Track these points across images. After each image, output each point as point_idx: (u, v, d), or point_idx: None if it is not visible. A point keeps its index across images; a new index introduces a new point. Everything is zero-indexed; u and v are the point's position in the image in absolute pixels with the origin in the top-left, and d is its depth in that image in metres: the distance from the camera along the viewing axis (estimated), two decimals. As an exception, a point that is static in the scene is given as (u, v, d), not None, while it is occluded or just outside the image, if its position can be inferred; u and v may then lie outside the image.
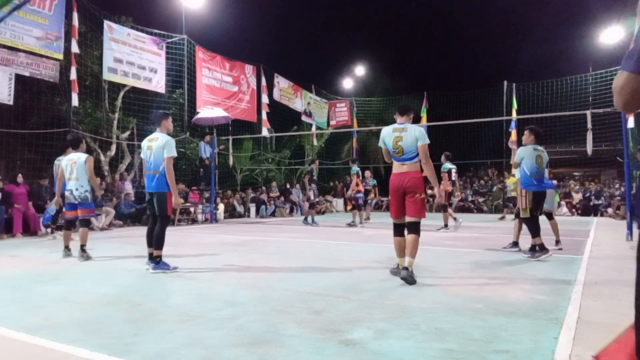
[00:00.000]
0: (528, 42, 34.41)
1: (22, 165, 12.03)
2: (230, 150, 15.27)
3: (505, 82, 19.96)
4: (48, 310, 3.36)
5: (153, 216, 5.27)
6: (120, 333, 2.78)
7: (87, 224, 6.22)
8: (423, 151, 4.37)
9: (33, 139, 11.65)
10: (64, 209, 6.50)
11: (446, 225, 10.22)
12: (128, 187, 12.45)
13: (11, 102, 10.26)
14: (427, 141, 4.46)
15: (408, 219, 4.37)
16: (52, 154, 11.55)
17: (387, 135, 4.56)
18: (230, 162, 15.77)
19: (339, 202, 20.25)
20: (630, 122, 10.82)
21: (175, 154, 5.07)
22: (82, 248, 5.94)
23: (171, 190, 5.08)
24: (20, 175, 9.74)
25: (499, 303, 3.51)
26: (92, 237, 8.90)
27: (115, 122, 13.40)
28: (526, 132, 6.24)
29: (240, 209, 15.89)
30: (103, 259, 6.02)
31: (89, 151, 12.78)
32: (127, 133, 14.08)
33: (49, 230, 9.32)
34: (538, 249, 5.89)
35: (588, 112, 10.30)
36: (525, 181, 5.94)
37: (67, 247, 6.23)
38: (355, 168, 11.86)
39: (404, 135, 4.41)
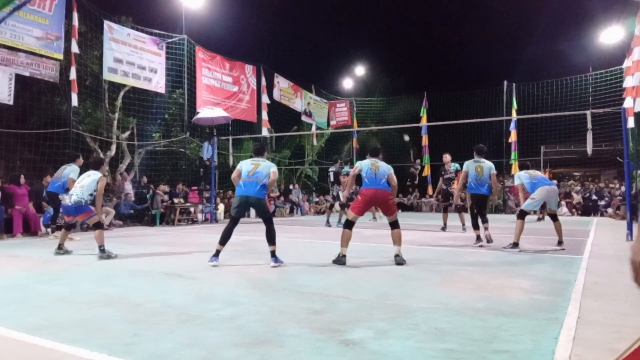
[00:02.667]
0: (528, 42, 34.38)
1: (22, 165, 12.03)
2: (230, 150, 15.27)
3: (505, 82, 19.96)
4: (48, 310, 3.36)
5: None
6: (120, 333, 2.78)
7: (100, 225, 6.29)
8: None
9: (33, 139, 11.65)
10: (61, 211, 6.61)
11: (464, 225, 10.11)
12: (128, 187, 12.45)
13: (11, 102, 10.26)
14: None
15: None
16: (52, 154, 11.56)
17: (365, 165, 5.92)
18: (230, 162, 15.77)
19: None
20: (630, 122, 10.83)
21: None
22: (101, 249, 6.10)
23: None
24: (22, 176, 9.73)
25: (499, 303, 3.51)
26: (93, 237, 8.91)
27: (115, 122, 13.39)
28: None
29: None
30: (102, 259, 6.01)
31: (89, 151, 12.83)
32: (127, 133, 14.08)
33: (49, 230, 9.33)
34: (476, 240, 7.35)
35: (588, 112, 10.30)
36: (468, 186, 7.48)
37: (60, 246, 6.42)
38: (346, 169, 12.01)
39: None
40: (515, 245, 6.70)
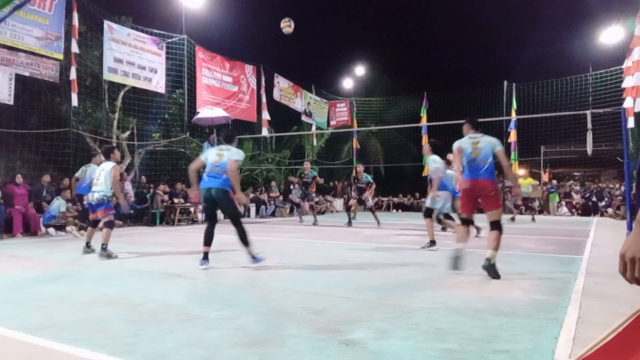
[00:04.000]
0: (528, 42, 34.42)
1: (22, 165, 12.02)
2: (230, 150, 15.25)
3: (505, 82, 19.96)
4: (48, 310, 3.36)
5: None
6: (120, 333, 2.78)
7: (110, 225, 6.39)
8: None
9: (33, 139, 11.64)
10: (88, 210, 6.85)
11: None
12: (128, 187, 12.44)
13: (11, 102, 10.26)
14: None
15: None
16: (52, 154, 11.56)
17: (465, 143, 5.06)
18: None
19: (339, 202, 20.25)
20: (630, 122, 10.84)
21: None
22: (103, 247, 6.14)
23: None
24: (19, 175, 9.72)
25: (499, 303, 3.51)
26: (93, 238, 8.91)
27: (115, 122, 13.39)
28: (426, 146, 7.38)
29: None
30: (103, 259, 6.01)
31: (89, 151, 12.82)
32: (127, 133, 14.07)
33: (49, 230, 9.33)
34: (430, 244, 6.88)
35: (588, 112, 10.30)
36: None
37: (87, 244, 6.53)
38: (313, 172, 12.88)
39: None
40: (432, 243, 6.84)
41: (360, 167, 11.94)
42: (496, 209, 4.70)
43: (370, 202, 11.73)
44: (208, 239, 5.24)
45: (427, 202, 7.16)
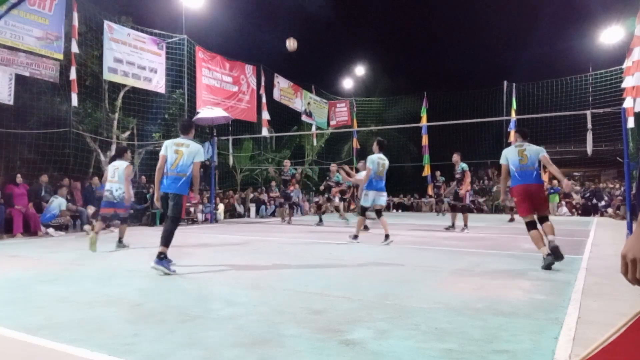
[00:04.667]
0: (528, 42, 34.40)
1: (22, 165, 12.02)
2: (231, 150, 15.26)
3: (505, 82, 19.97)
4: (48, 310, 3.36)
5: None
6: (120, 333, 2.78)
7: (126, 221, 7.35)
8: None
9: (33, 139, 11.65)
10: (101, 206, 7.39)
11: (466, 226, 10.05)
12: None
13: (11, 102, 10.26)
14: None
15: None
16: (52, 154, 11.56)
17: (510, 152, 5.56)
18: (230, 162, 15.77)
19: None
20: (630, 122, 10.83)
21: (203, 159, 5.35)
22: (120, 239, 7.06)
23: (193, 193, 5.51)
24: (19, 175, 9.73)
25: (499, 303, 3.51)
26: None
27: (115, 122, 13.39)
28: (375, 144, 7.85)
29: (240, 209, 15.90)
30: (103, 259, 6.01)
31: (88, 151, 12.83)
32: (127, 133, 14.08)
33: (49, 230, 9.33)
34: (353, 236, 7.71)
35: (588, 112, 10.31)
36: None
37: (120, 239, 7.13)
38: (292, 170, 13.07)
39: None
40: (357, 232, 7.74)
41: (334, 167, 12.71)
42: (547, 209, 5.58)
43: (337, 201, 12.46)
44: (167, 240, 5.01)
45: (362, 201, 7.81)
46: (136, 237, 9.09)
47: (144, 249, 7.14)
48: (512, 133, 18.62)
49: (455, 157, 10.18)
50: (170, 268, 4.81)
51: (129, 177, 7.09)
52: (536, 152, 5.47)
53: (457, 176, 10.24)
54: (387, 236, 7.46)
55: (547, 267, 4.98)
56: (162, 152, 5.20)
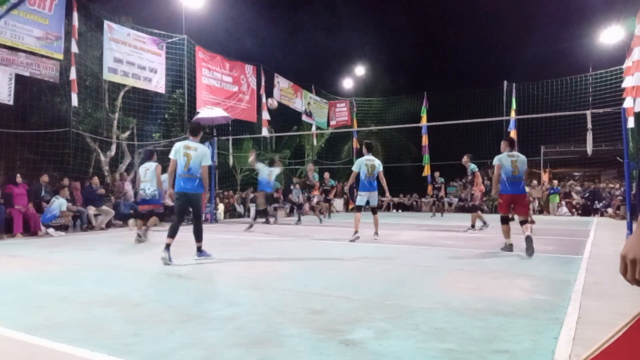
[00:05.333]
0: (528, 42, 34.36)
1: (21, 165, 12.02)
2: (231, 150, 15.26)
3: (505, 82, 19.96)
4: (48, 310, 3.36)
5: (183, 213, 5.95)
6: (120, 333, 2.78)
7: (161, 216, 8.36)
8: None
9: (33, 139, 11.64)
10: (138, 204, 8.34)
11: (473, 226, 10.01)
12: (128, 187, 12.44)
13: (11, 102, 10.26)
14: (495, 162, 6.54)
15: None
16: (52, 154, 11.56)
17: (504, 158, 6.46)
18: (230, 162, 15.77)
19: (339, 202, 20.25)
20: (630, 122, 10.83)
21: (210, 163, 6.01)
22: (147, 228, 7.88)
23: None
24: (18, 175, 9.72)
25: (499, 303, 3.51)
26: (93, 238, 8.92)
27: (115, 122, 13.39)
28: (363, 146, 8.36)
29: (240, 209, 15.89)
30: (103, 259, 6.01)
31: (88, 151, 12.84)
32: (127, 133, 14.08)
33: (49, 230, 9.33)
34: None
35: (588, 112, 10.30)
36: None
37: (139, 234, 7.70)
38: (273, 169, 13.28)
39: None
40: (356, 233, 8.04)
41: (311, 166, 13.82)
42: (527, 213, 6.62)
43: (315, 200, 13.01)
44: (173, 233, 5.58)
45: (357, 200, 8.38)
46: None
47: (144, 248, 7.15)
48: (512, 133, 18.64)
49: (465, 159, 10.24)
50: (209, 255, 5.81)
51: (160, 175, 7.87)
52: (523, 162, 6.45)
53: (469, 178, 10.38)
54: (376, 233, 8.30)
55: (506, 249, 6.43)
56: (172, 156, 5.65)
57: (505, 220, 6.50)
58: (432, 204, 17.64)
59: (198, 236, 5.76)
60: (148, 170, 7.85)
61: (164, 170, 7.82)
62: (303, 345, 2.55)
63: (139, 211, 8.27)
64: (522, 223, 6.28)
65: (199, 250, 5.80)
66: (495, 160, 6.49)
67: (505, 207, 6.47)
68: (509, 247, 6.43)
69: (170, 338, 2.69)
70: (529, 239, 5.94)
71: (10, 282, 4.45)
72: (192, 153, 5.59)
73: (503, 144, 6.72)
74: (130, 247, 7.33)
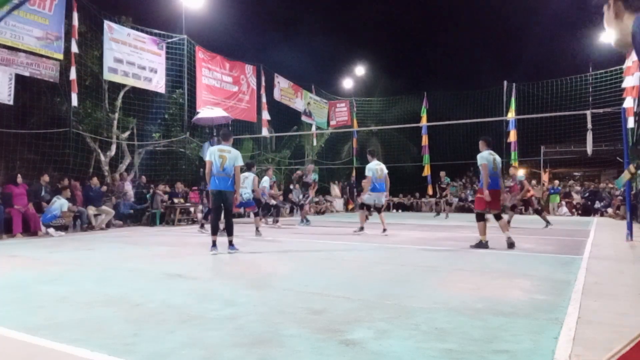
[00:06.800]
0: (528, 42, 34.35)
1: (21, 165, 12.02)
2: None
3: (505, 82, 19.97)
4: (48, 310, 3.35)
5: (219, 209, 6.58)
6: (120, 333, 2.78)
7: (257, 214, 9.58)
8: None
9: (33, 139, 11.64)
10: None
11: (547, 222, 11.01)
12: (128, 187, 12.44)
13: (11, 102, 10.26)
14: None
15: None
16: (52, 154, 11.56)
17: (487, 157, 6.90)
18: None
19: (338, 202, 20.25)
20: (630, 122, 10.84)
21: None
22: (257, 229, 9.05)
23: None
24: (19, 175, 9.72)
25: (499, 303, 3.51)
26: (93, 238, 8.92)
27: (115, 122, 13.39)
28: (368, 155, 9.45)
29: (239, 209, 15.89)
30: (103, 259, 6.01)
31: (88, 151, 12.84)
32: (127, 133, 14.07)
33: (49, 230, 9.33)
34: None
35: (588, 112, 10.30)
36: (372, 187, 8.96)
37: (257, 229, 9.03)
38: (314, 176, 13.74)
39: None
40: (361, 229, 9.23)
41: (311, 167, 14.14)
42: (499, 208, 7.07)
43: (304, 201, 13.29)
44: (216, 230, 6.36)
45: (364, 198, 9.37)
46: (136, 237, 9.11)
47: (145, 248, 7.15)
48: (512, 133, 18.65)
49: (513, 171, 11.99)
50: (238, 250, 6.42)
51: (257, 185, 9.24)
52: (500, 161, 7.09)
53: (515, 185, 11.43)
54: (384, 230, 9.11)
55: (480, 247, 6.73)
56: (208, 159, 6.41)
57: (481, 217, 6.87)
58: (436, 203, 17.63)
59: (229, 231, 6.41)
60: (247, 179, 8.97)
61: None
62: (303, 345, 2.55)
63: (235, 212, 9.30)
64: (498, 218, 6.91)
65: (231, 244, 6.38)
66: (482, 160, 6.85)
67: (486, 204, 6.80)
68: (484, 245, 6.74)
69: (170, 338, 2.69)
70: (512, 246, 6.68)
71: (10, 282, 4.45)
72: (227, 155, 6.35)
73: (482, 144, 7.09)
74: (130, 247, 7.33)
